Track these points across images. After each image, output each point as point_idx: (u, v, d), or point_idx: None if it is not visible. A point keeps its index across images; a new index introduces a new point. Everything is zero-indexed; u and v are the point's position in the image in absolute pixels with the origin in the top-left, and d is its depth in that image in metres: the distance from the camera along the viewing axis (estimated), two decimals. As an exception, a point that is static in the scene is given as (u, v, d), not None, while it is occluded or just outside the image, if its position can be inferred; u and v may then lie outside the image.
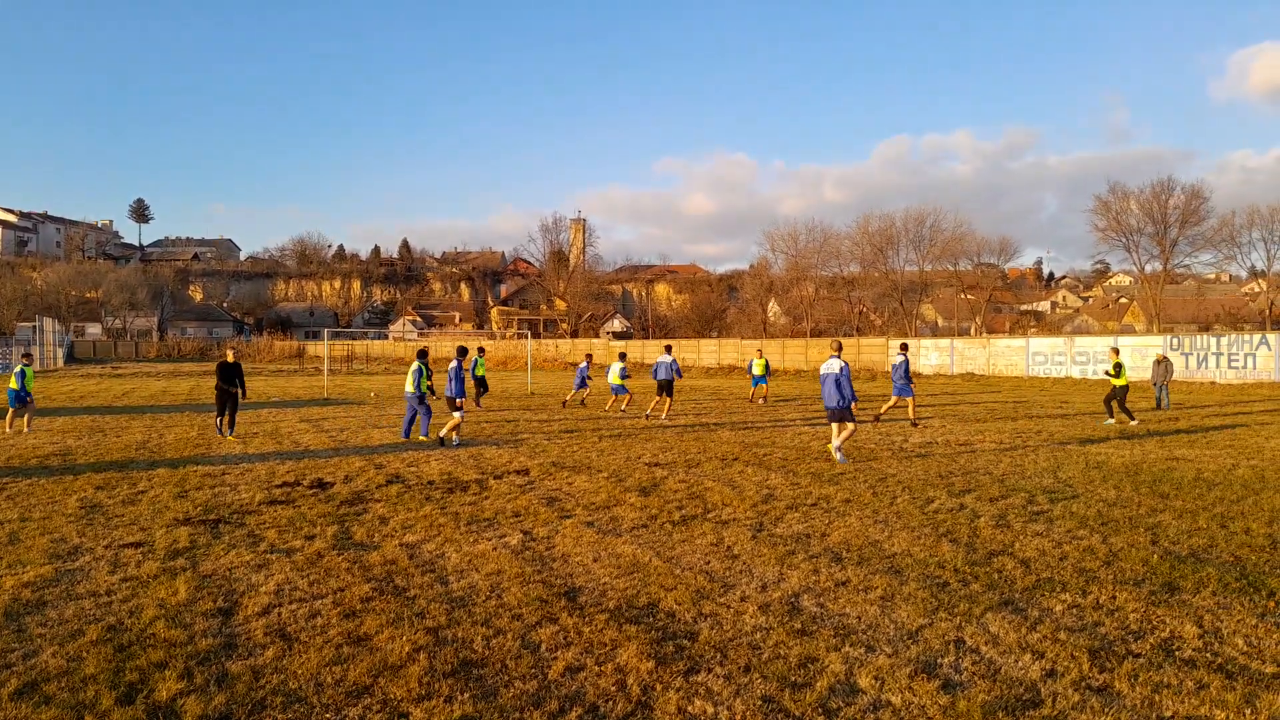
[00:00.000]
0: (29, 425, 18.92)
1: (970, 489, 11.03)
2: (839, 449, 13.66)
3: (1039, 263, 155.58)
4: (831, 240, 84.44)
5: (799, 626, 5.76)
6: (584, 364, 26.19)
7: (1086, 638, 5.53)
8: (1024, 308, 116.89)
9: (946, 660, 5.16)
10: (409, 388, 17.07)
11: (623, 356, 24.39)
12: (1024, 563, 7.37)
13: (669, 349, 22.69)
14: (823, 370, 13.72)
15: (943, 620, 5.87)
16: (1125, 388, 20.09)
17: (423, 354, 17.24)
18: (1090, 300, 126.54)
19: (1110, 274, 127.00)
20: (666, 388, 21.23)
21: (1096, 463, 13.32)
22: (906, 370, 19.80)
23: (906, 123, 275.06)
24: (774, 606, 6.18)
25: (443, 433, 16.11)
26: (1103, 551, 7.74)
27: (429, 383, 17.18)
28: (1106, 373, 20.70)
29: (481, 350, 16.29)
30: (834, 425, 13.80)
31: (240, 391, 17.60)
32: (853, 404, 13.41)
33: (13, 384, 18.72)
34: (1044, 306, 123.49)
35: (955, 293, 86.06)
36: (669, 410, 21.40)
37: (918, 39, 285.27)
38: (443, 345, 78.67)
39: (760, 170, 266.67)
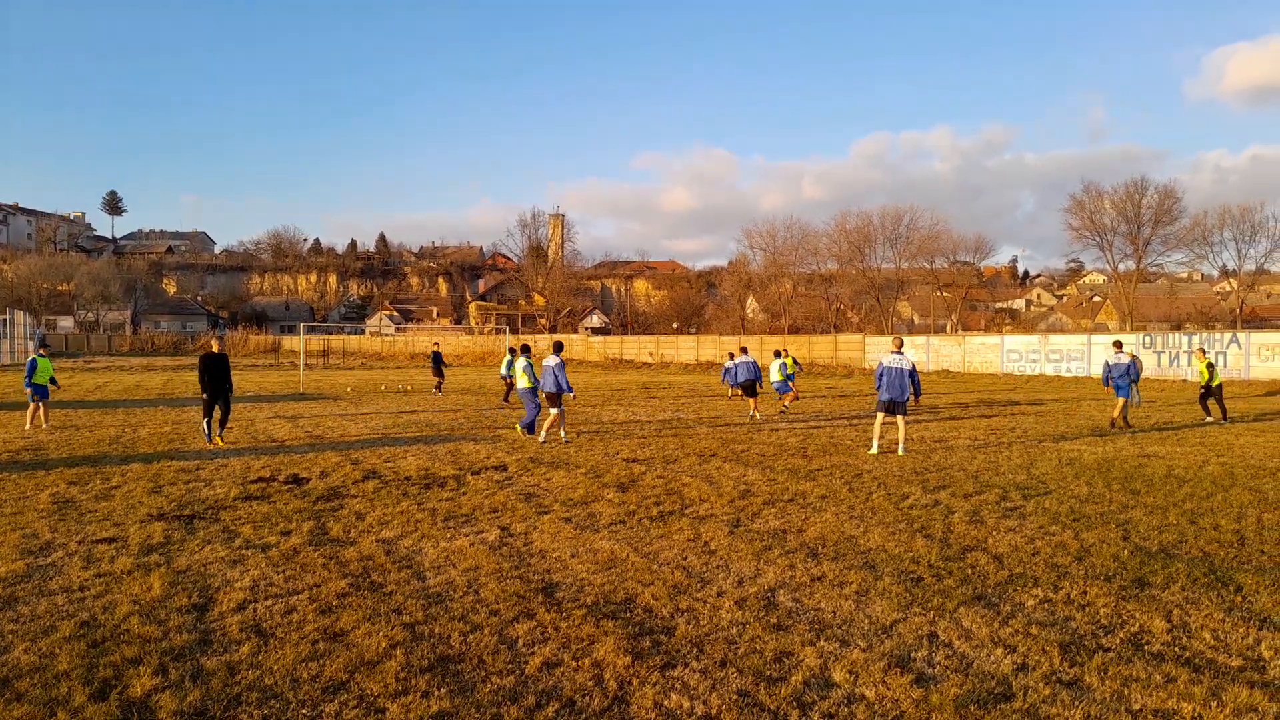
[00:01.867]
0: (32, 421, 18.04)
1: (945, 485, 11.13)
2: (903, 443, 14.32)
3: (1014, 261, 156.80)
4: (809, 238, 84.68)
5: (775, 621, 5.80)
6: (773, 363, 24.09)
7: (1058, 632, 5.60)
8: (999, 306, 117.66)
9: (920, 654, 5.22)
10: (525, 383, 16.69)
11: (778, 354, 24.13)
12: (997, 558, 7.45)
13: (745, 350, 22.58)
14: (888, 364, 14.13)
15: (917, 615, 5.93)
16: (1217, 386, 19.95)
17: (525, 349, 17.14)
18: (1064, 298, 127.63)
19: (1084, 273, 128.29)
20: (750, 389, 21.21)
21: (1069, 459, 13.47)
22: (1130, 370, 18.46)
23: (886, 119, 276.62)
24: (750, 601, 6.22)
25: (545, 432, 15.82)
26: (1074, 547, 7.84)
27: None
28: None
29: (526, 348, 16.51)
30: (898, 418, 14.20)
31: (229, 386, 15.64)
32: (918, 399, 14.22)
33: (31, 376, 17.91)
34: (1019, 304, 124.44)
35: (931, 290, 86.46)
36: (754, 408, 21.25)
37: (897, 35, 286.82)
38: (419, 341, 78.41)
39: (740, 166, 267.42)
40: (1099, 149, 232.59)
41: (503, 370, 26.73)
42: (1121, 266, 70.55)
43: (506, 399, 26.18)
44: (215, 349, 15.76)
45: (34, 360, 18.07)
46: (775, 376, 23.33)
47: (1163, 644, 5.42)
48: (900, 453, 14.04)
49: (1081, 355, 41.24)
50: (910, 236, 78.36)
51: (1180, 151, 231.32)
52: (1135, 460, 13.41)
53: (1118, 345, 19.20)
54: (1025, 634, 5.56)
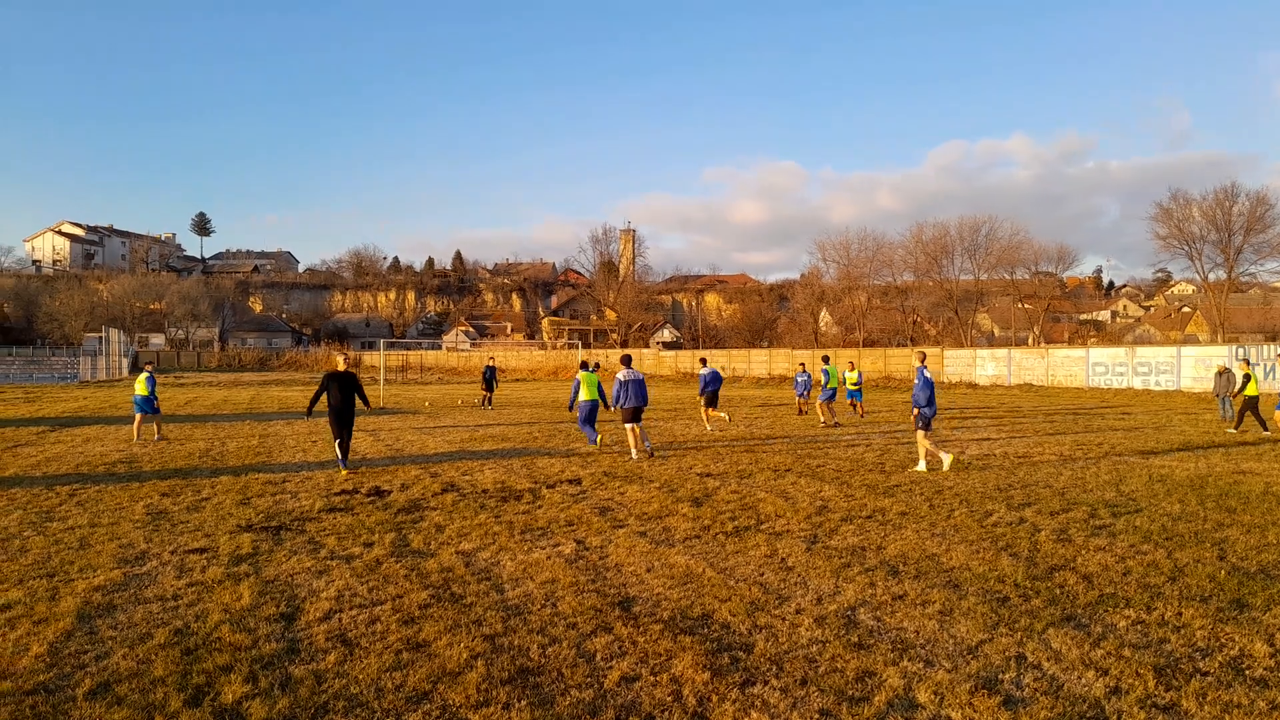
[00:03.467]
0: (159, 432, 19.41)
1: (1030, 502, 10.84)
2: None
3: (1098, 271, 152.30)
4: (884, 249, 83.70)
5: (856, 640, 5.71)
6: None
7: (1152, 655, 5.41)
8: (1083, 317, 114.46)
9: (1007, 676, 5.08)
10: (592, 396, 17.14)
11: (851, 365, 24.54)
12: (1086, 578, 7.22)
13: (704, 361, 23.05)
14: (931, 378, 14.02)
15: (1003, 635, 5.78)
16: (1254, 397, 20.19)
17: (584, 365, 17.89)
18: (1152, 309, 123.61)
19: (1172, 283, 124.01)
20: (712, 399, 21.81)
21: (1160, 476, 13.01)
22: None
23: (961, 128, 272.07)
24: (830, 619, 6.14)
25: (637, 450, 15.91)
26: (1168, 567, 7.56)
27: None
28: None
29: (597, 365, 17.43)
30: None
31: (364, 403, 14.42)
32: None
33: (142, 390, 18.96)
34: (1104, 316, 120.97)
35: (1012, 302, 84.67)
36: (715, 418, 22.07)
37: (971, 42, 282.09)
38: (494, 355, 79.41)
39: (810, 178, 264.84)
40: (1184, 155, 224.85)
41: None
42: (1211, 276, 68.14)
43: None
44: (341, 366, 14.29)
45: (151, 376, 19.34)
46: (849, 385, 23.90)
47: (1265, 669, 5.19)
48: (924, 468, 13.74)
49: (1171, 368, 39.83)
50: (989, 247, 76.96)
51: (1271, 155, 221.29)
52: (1230, 477, 12.89)
53: None
54: (1118, 656, 5.38)
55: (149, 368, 19.96)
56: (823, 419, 22.71)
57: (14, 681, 5.00)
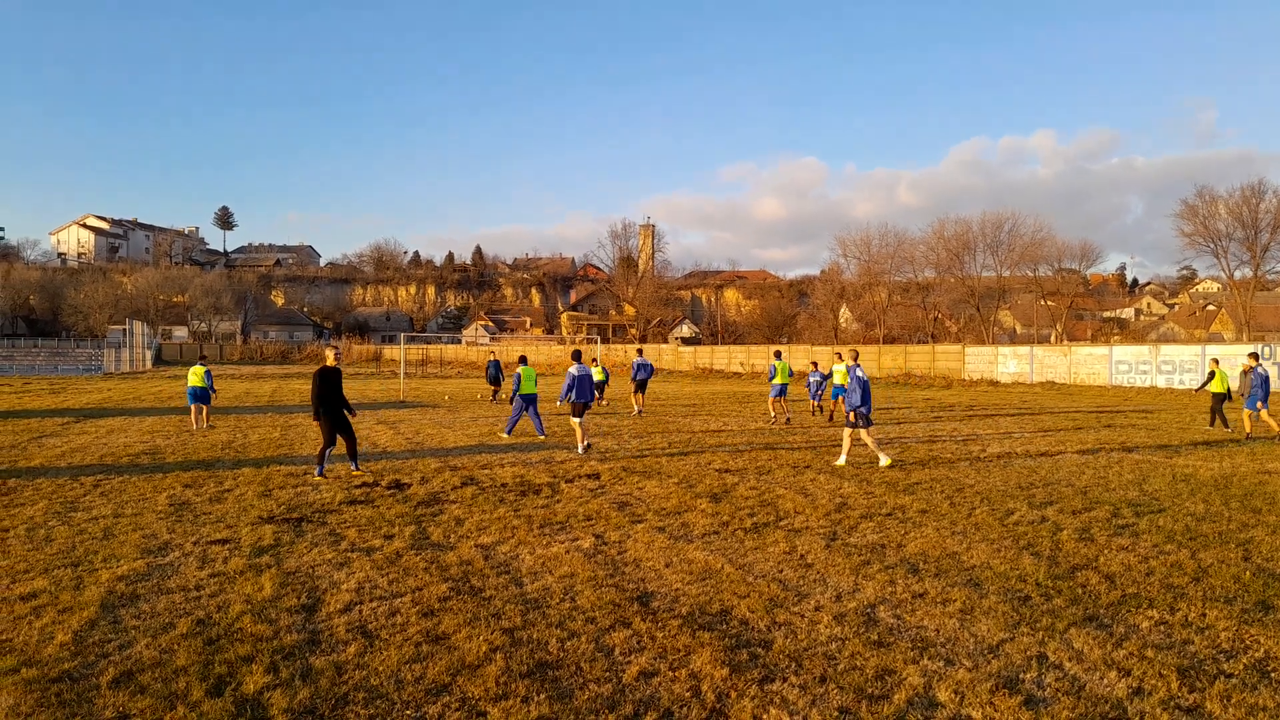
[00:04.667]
0: (207, 420, 20.35)
1: (1052, 501, 10.76)
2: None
3: (1122, 268, 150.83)
4: (905, 245, 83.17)
5: (875, 638, 5.69)
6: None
7: (1175, 656, 5.36)
8: (1107, 315, 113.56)
9: (1029, 676, 5.05)
10: (531, 389, 18.04)
11: (839, 356, 25.12)
12: (1109, 578, 7.16)
13: (641, 352, 25.54)
14: (865, 375, 14.06)
15: (1024, 635, 5.74)
16: (1221, 395, 20.48)
17: (523, 359, 18.34)
18: (1176, 307, 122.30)
19: (1197, 280, 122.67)
20: (642, 386, 24.66)
21: (1184, 475, 12.88)
22: (1264, 383, 18.78)
23: (983, 124, 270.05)
24: (849, 617, 6.12)
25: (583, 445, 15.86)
26: (1191, 567, 7.49)
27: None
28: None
29: (524, 359, 18.02)
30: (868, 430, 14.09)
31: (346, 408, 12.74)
32: (851, 411, 14.06)
33: (197, 382, 19.92)
34: (1128, 313, 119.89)
35: (1035, 299, 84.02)
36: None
37: (993, 40, 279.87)
38: (513, 349, 79.65)
39: (831, 174, 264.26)
40: (1212, 152, 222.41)
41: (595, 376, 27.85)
42: (1237, 274, 67.35)
43: (603, 399, 27.46)
44: (331, 361, 12.77)
45: (208, 371, 20.45)
46: (838, 381, 23.45)
47: (1292, 672, 5.13)
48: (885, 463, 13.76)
49: (1195, 367, 39.40)
50: (1012, 243, 76.42)
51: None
52: (1255, 477, 12.74)
53: (1254, 356, 19.97)
54: (1140, 657, 5.33)
55: (203, 361, 20.96)
56: (773, 414, 22.31)
57: (39, 669, 5.06)
